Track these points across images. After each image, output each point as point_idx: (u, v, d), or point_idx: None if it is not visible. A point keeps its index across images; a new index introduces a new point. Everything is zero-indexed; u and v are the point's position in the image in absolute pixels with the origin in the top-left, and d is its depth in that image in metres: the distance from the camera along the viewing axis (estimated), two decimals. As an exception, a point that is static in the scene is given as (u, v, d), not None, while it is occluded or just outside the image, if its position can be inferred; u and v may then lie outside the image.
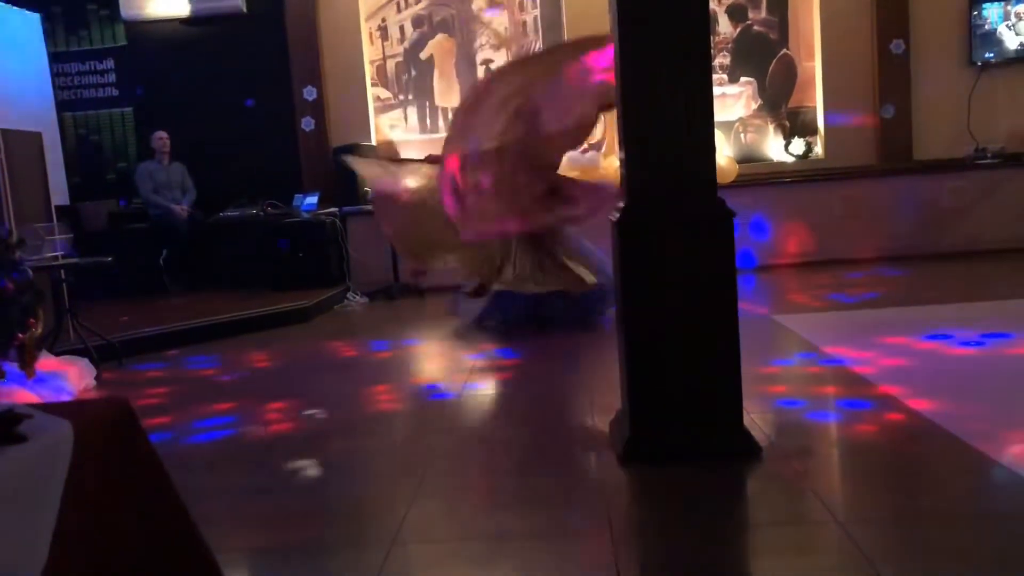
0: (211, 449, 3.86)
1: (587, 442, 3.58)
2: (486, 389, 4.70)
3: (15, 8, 8.16)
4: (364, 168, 7.28)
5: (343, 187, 8.35)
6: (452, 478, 3.31)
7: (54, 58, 8.80)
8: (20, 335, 4.00)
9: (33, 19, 8.44)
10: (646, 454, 3.19)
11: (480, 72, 8.84)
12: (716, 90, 3.53)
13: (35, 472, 1.56)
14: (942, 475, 3.07)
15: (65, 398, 4.61)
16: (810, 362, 4.70)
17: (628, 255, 3.21)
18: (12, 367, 4.17)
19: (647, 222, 3.19)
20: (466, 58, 8.93)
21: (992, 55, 8.36)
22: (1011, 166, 8.17)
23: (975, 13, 8.29)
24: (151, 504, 1.82)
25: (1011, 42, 8.31)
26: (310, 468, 3.52)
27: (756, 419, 3.53)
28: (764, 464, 3.14)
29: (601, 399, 4.00)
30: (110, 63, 9.21)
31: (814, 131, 8.76)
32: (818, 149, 8.72)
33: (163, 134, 8.44)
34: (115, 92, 9.24)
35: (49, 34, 8.76)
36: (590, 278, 5.99)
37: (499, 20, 8.90)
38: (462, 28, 8.95)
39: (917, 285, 6.96)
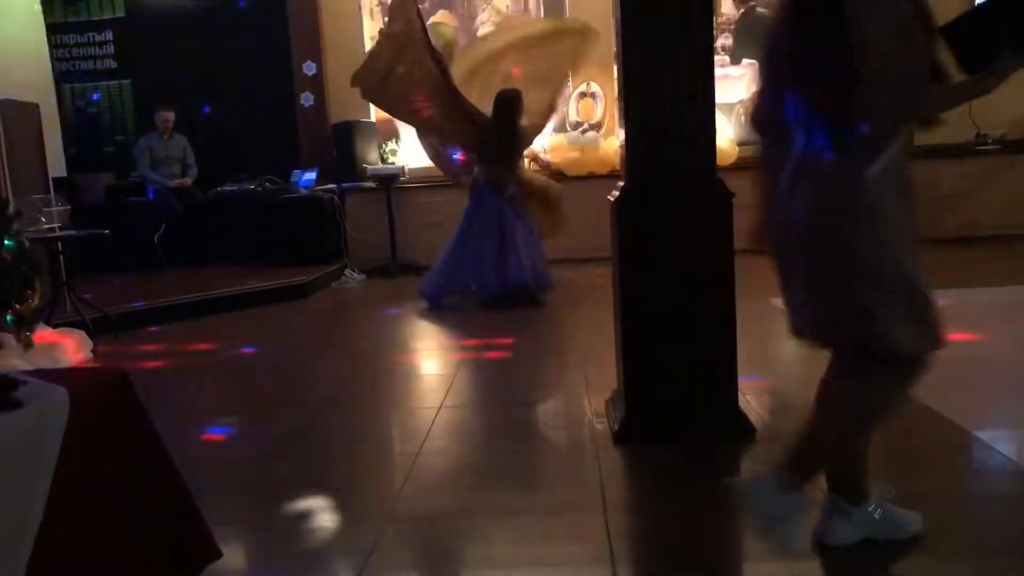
0: (206, 422, 3.87)
1: (582, 421, 3.59)
2: (481, 366, 4.71)
3: (13, -23, 8.09)
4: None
5: (342, 163, 8.32)
6: (447, 456, 3.33)
7: (52, 29, 8.75)
8: (17, 306, 4.01)
9: (31, -11, 8.38)
10: (641, 433, 3.20)
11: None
12: (718, 71, 3.51)
13: (31, 437, 1.56)
14: (933, 456, 3.08)
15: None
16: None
17: (627, 234, 3.21)
18: (8, 338, 4.18)
19: (647, 202, 3.18)
20: (467, 35, 8.87)
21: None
22: (1012, 152, 8.15)
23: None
24: (145, 471, 1.82)
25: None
26: (305, 441, 3.53)
27: (751, 400, 3.54)
28: (758, 445, 3.15)
29: (597, 377, 4.01)
30: (109, 34, 9.15)
31: (815, 114, 8.71)
32: (819, 133, 8.68)
33: (169, 115, 8.34)
34: (113, 64, 9.19)
35: (47, 4, 8.69)
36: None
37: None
38: (463, 4, 8.89)
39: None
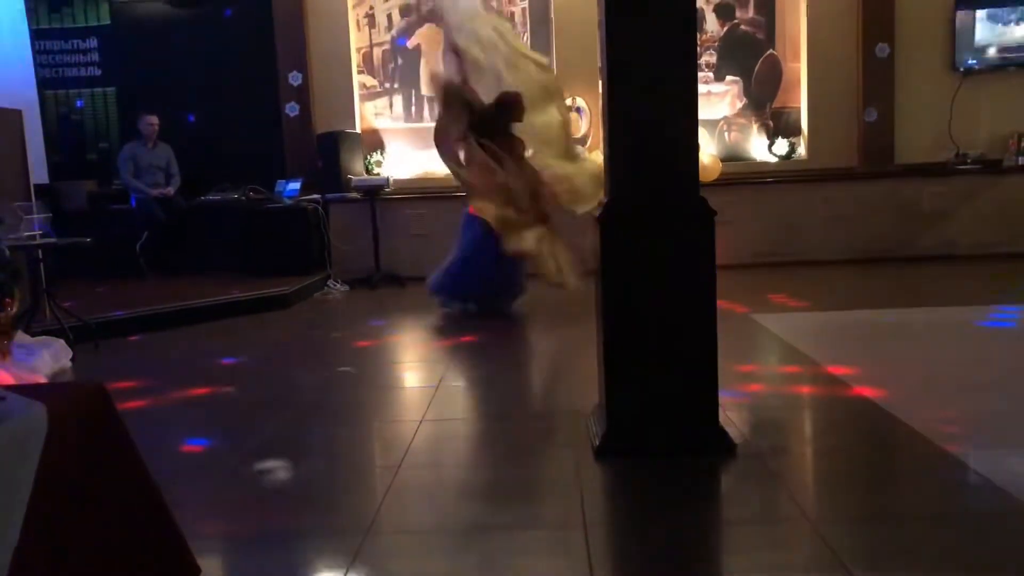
0: (185, 433, 3.84)
1: (563, 435, 3.60)
2: (463, 380, 4.71)
3: (-3, -17, 8.06)
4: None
5: (327, 174, 8.31)
6: (427, 469, 3.32)
7: (36, 35, 8.71)
8: (-5, 314, 3.97)
9: (15, -5, 8.35)
10: (622, 449, 3.21)
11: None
12: (701, 88, 3.54)
13: (7, 453, 1.55)
14: (913, 475, 3.11)
15: (40, 379, 4.57)
16: (786, 361, 4.74)
17: (609, 250, 3.22)
18: (-14, 346, 4.13)
19: (629, 218, 3.20)
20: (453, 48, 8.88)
21: (975, 61, 8.44)
22: (990, 172, 8.26)
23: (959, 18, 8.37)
24: (124, 487, 1.81)
25: (994, 49, 8.40)
26: (285, 454, 3.51)
27: (732, 416, 3.56)
28: (738, 461, 3.16)
29: (578, 392, 4.02)
30: (93, 42, 9.11)
31: (798, 132, 8.81)
32: (801, 150, 8.77)
33: (153, 119, 8.33)
34: (98, 72, 9.15)
35: (32, 11, 8.66)
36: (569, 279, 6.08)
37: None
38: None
39: (895, 288, 7.03)
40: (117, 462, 1.80)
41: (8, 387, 1.82)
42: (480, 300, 6.32)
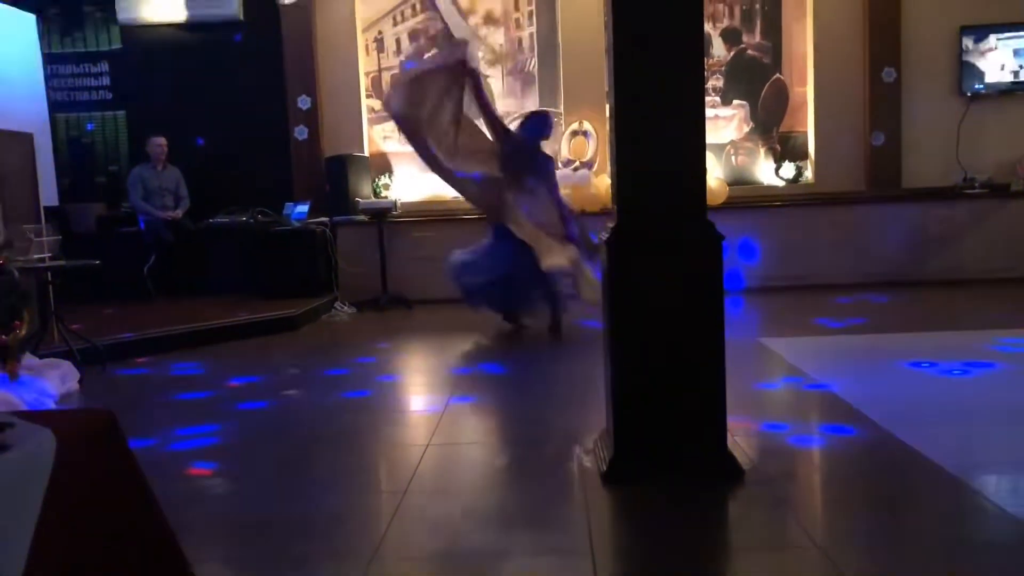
0: (191, 457, 3.83)
1: (570, 460, 3.58)
2: (470, 403, 4.70)
3: (11, 8, 8.15)
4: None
5: (334, 197, 8.34)
6: (434, 495, 3.30)
7: (48, 59, 8.79)
8: (3, 336, 3.99)
9: (28, 20, 8.43)
10: (629, 475, 3.19)
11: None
12: (708, 112, 3.55)
13: (15, 481, 1.54)
14: (923, 502, 3.08)
15: (47, 401, 4.58)
16: (795, 386, 4.72)
17: (617, 275, 3.22)
18: (-6, 368, 4.14)
19: (637, 243, 3.20)
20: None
21: (982, 86, 8.46)
22: (998, 196, 8.26)
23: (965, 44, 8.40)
24: (131, 515, 1.80)
25: (1000, 74, 8.42)
26: (291, 479, 3.50)
27: (740, 441, 3.54)
28: (746, 486, 3.14)
29: (585, 416, 4.01)
30: (104, 66, 9.20)
31: (804, 156, 8.82)
32: (808, 174, 8.78)
33: (161, 140, 8.41)
34: (108, 95, 9.23)
35: (44, 35, 8.75)
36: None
37: (494, 37, 8.94)
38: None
39: (902, 312, 7.00)
40: (125, 489, 1.79)
41: (17, 413, 1.82)
42: (520, 311, 6.40)
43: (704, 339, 3.18)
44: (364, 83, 9.02)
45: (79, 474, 1.67)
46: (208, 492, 3.44)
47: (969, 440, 3.63)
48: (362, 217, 8.24)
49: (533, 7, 8.86)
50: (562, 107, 8.69)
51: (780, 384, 4.87)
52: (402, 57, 9.02)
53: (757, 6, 8.78)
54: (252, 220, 8.43)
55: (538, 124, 6.41)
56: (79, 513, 1.67)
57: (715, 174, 8.48)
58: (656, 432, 3.20)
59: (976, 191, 8.28)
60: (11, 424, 1.63)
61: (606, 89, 3.41)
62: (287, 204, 8.53)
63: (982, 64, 8.44)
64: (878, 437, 3.67)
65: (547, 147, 6.56)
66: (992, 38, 8.39)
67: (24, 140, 6.42)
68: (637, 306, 3.20)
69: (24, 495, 1.54)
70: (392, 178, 8.98)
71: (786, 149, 8.84)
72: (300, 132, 8.88)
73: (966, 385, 4.53)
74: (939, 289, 7.79)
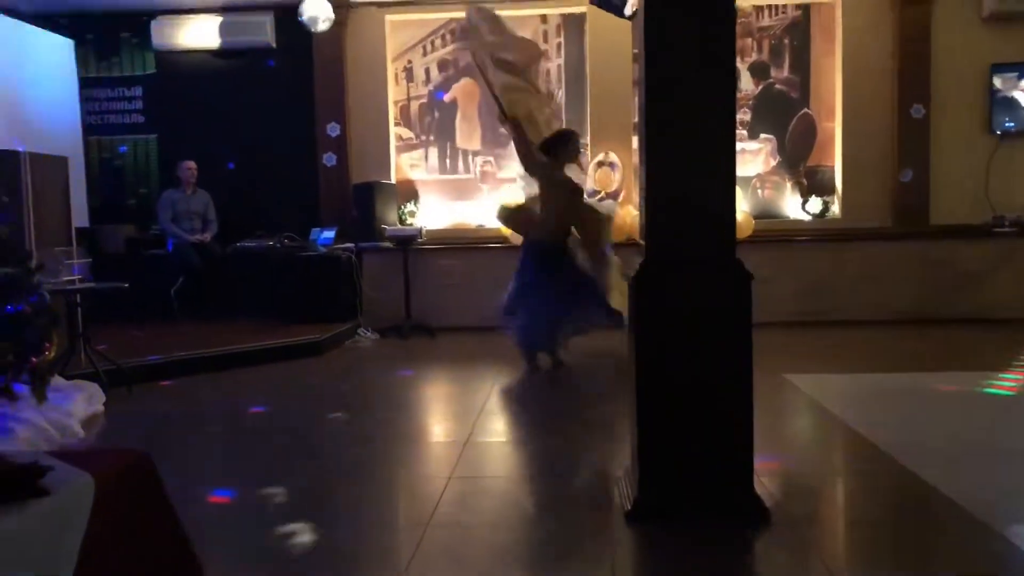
0: (212, 482, 3.84)
1: (594, 497, 3.55)
2: (494, 437, 4.68)
3: (50, 33, 8.32)
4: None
5: (361, 223, 8.40)
6: (456, 529, 3.28)
7: (84, 83, 8.95)
8: (34, 359, 4.02)
9: (66, 45, 8.61)
10: (653, 513, 3.16)
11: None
12: (736, 145, 3.53)
13: (56, 525, 1.55)
14: (950, 546, 3.02)
15: (73, 423, 4.61)
16: (820, 425, 4.66)
17: (644, 310, 3.21)
18: (24, 388, 4.18)
19: (666, 278, 3.19)
20: (488, 102, 9.01)
21: (1012, 124, 8.40)
22: (1028, 235, 8.16)
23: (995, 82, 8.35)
24: (166, 556, 1.80)
25: (1031, 112, 8.36)
26: (312, 507, 3.49)
27: (765, 481, 3.50)
28: (772, 527, 3.10)
29: (610, 453, 3.98)
30: (138, 90, 9.34)
31: (832, 191, 8.78)
32: (835, 209, 8.73)
33: (191, 164, 8.53)
34: (141, 119, 9.37)
35: (81, 59, 8.92)
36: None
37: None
38: (486, 73, 9.03)
39: (930, 350, 6.91)
40: (159, 531, 1.80)
41: (55, 454, 1.83)
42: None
43: (731, 377, 3.15)
44: (393, 112, 9.10)
45: (116, 518, 1.68)
46: (226, 519, 3.44)
47: (998, 482, 3.56)
48: (388, 244, 8.28)
49: (562, 39, 8.92)
50: (588, 138, 8.71)
51: (804, 421, 4.81)
52: (431, 87, 9.09)
53: (786, 41, 8.79)
54: (279, 245, 8.50)
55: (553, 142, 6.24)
56: (118, 554, 1.67)
57: (741, 207, 8.45)
58: (681, 470, 3.17)
59: (1006, 229, 8.19)
60: (51, 467, 1.64)
61: (634, 120, 3.42)
62: (313, 230, 8.59)
63: (1012, 102, 8.38)
64: (905, 478, 3.61)
65: (572, 172, 6.39)
66: None
67: (60, 164, 6.52)
68: (664, 342, 3.18)
69: (64, 538, 1.55)
70: (418, 205, 9.03)
71: (813, 184, 8.80)
72: (329, 159, 8.97)
73: (994, 425, 4.45)
74: (967, 327, 7.68)
